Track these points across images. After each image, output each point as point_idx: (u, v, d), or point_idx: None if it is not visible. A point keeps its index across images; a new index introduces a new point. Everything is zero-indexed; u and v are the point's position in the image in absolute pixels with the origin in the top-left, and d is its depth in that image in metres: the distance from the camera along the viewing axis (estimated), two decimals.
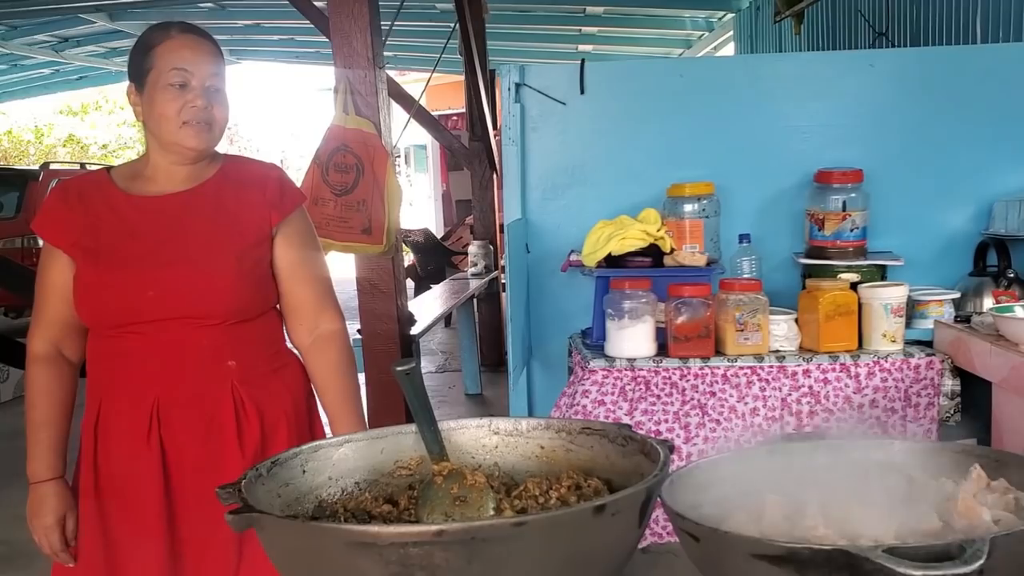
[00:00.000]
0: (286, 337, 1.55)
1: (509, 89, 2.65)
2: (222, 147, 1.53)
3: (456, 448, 0.96)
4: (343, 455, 0.92)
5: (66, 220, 1.43)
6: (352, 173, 3.11)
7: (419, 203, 14.15)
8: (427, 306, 4.72)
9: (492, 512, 0.85)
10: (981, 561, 0.62)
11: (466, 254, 6.31)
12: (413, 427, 0.95)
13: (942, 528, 0.75)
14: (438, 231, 10.17)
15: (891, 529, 0.75)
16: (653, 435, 2.19)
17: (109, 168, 1.52)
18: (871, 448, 0.91)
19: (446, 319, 6.92)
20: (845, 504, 0.79)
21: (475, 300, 5.81)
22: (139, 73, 1.41)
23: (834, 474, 0.86)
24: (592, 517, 0.68)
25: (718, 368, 2.25)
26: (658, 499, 0.79)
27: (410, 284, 7.10)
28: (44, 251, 1.46)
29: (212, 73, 1.39)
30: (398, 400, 3.26)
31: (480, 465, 0.95)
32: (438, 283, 6.35)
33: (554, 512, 0.78)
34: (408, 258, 7.79)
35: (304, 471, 0.88)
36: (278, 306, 1.53)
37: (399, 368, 0.93)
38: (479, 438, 0.97)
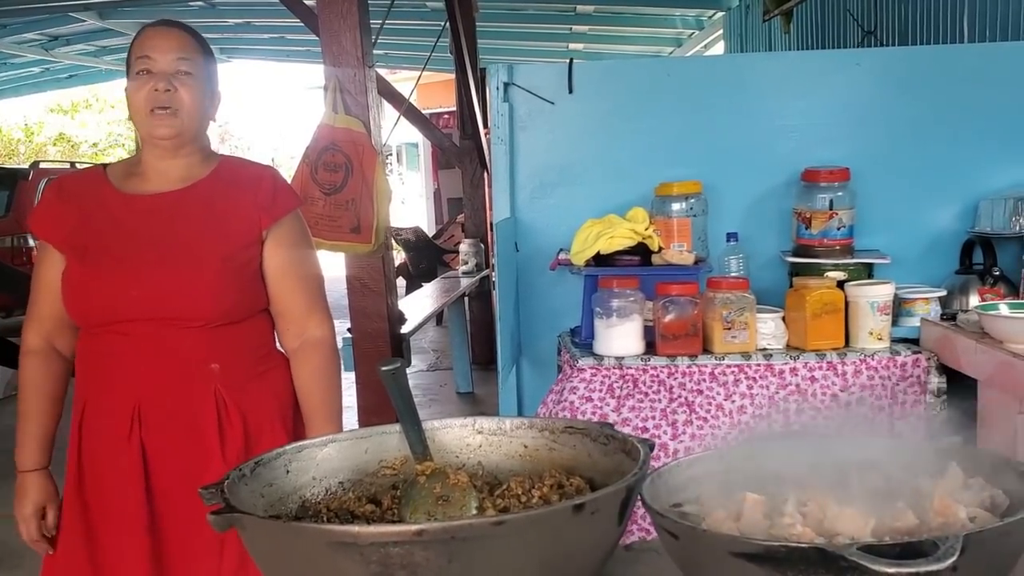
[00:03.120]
0: (276, 340, 1.55)
1: (498, 88, 2.65)
2: (214, 147, 1.53)
3: (440, 447, 0.97)
4: (327, 455, 0.93)
5: (58, 217, 1.44)
6: (341, 172, 3.11)
7: (411, 201, 14.14)
8: (418, 304, 4.72)
9: (475, 511, 0.86)
10: (954, 558, 0.63)
11: (458, 252, 6.32)
12: (397, 427, 0.96)
13: (918, 526, 0.76)
14: (429, 229, 10.16)
15: (868, 527, 0.76)
16: (640, 432, 2.21)
17: (106, 165, 1.52)
18: (850, 446, 0.91)
19: (437, 317, 6.91)
20: (823, 502, 0.80)
21: (466, 298, 5.81)
22: (127, 72, 1.42)
23: (813, 472, 0.86)
24: (572, 516, 0.69)
25: (705, 366, 2.26)
26: (638, 497, 0.80)
27: (401, 283, 7.10)
28: (39, 247, 1.48)
29: (175, 57, 1.39)
30: (388, 399, 3.26)
31: (464, 464, 0.96)
32: (429, 282, 6.35)
33: (534, 511, 0.79)
34: (399, 257, 7.78)
35: (288, 471, 0.89)
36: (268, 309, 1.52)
37: (384, 368, 0.94)
38: (463, 437, 0.98)
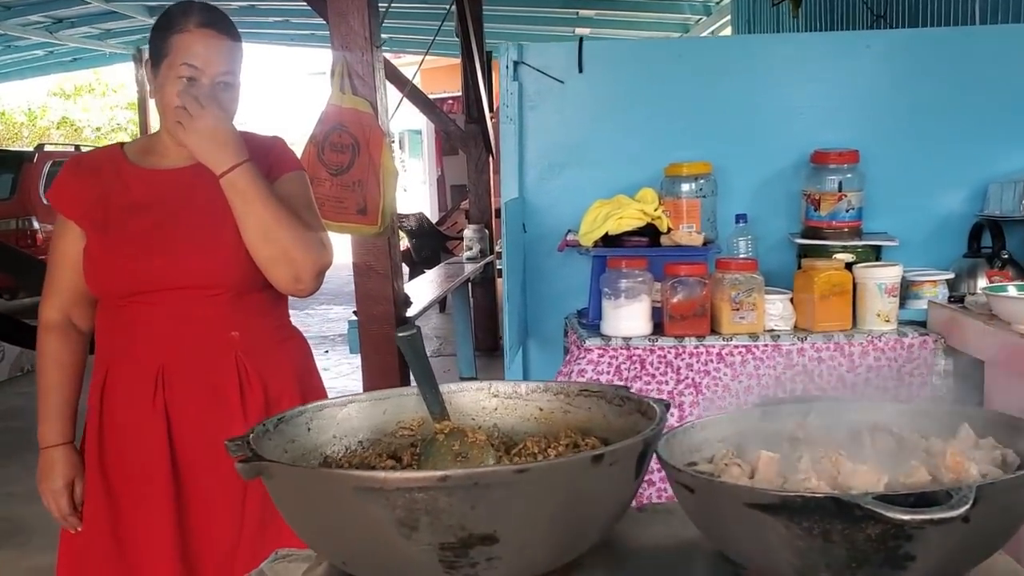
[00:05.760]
0: (289, 312, 1.58)
1: (507, 67, 2.65)
2: None
3: (457, 410, 0.98)
4: (347, 415, 0.94)
5: (77, 192, 1.46)
6: (348, 153, 3.12)
7: (413, 188, 14.12)
8: (422, 290, 4.73)
9: None
10: (967, 507, 0.64)
11: (461, 239, 6.32)
12: (414, 390, 0.97)
13: (930, 482, 0.77)
14: (432, 216, 10.15)
15: (881, 483, 0.77)
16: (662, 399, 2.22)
17: (123, 144, 1.55)
18: (863, 410, 0.93)
19: (440, 304, 6.93)
20: (836, 460, 0.81)
21: (470, 284, 5.82)
22: (155, 54, 1.42)
23: (826, 434, 0.88)
24: (591, 466, 0.71)
25: (713, 347, 2.27)
26: (655, 456, 0.81)
27: (404, 269, 7.10)
28: (57, 222, 1.50)
29: (223, 71, 1.40)
30: (394, 382, 3.28)
31: (480, 427, 0.97)
32: (433, 268, 6.35)
33: (554, 460, 0.80)
34: (402, 243, 7.78)
35: (309, 429, 0.90)
36: None
37: (401, 334, 0.95)
38: (479, 400, 0.99)
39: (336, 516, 0.70)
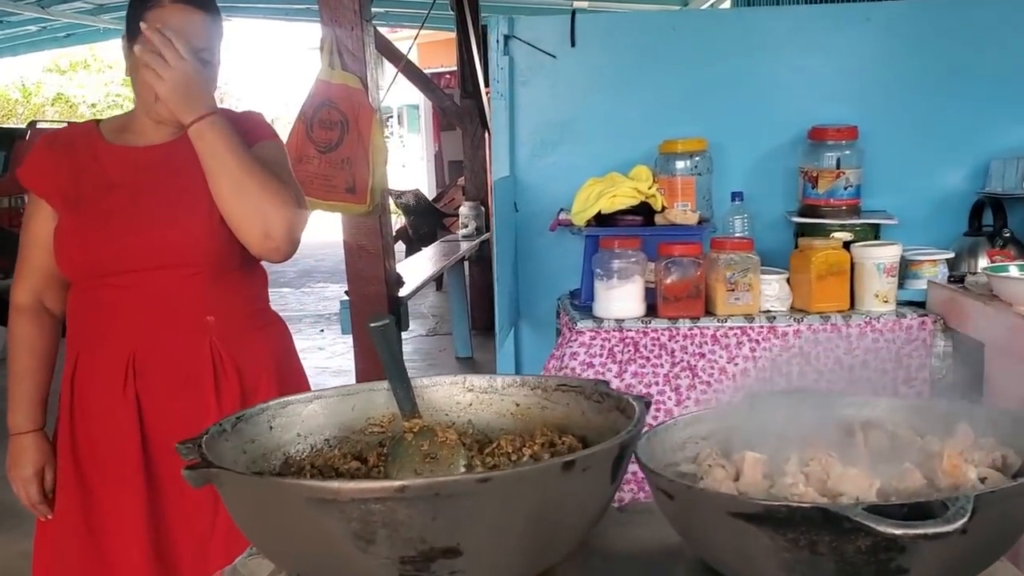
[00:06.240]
0: (269, 299, 1.54)
1: (498, 41, 2.58)
2: None
3: (430, 405, 0.93)
4: (312, 411, 0.89)
5: (50, 169, 1.42)
6: (337, 130, 3.05)
7: (411, 164, 14.02)
8: (417, 268, 4.68)
9: (463, 469, 0.83)
10: (964, 519, 0.60)
11: (458, 216, 6.25)
12: (385, 384, 0.93)
13: (926, 486, 0.72)
14: (430, 193, 10.06)
15: (873, 487, 0.72)
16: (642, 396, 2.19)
17: (99, 121, 1.50)
18: (856, 405, 0.88)
19: (437, 282, 6.88)
20: (826, 462, 0.77)
21: (466, 263, 5.76)
22: (131, 31, 1.37)
23: (817, 431, 0.83)
24: (561, 473, 0.66)
25: (707, 328, 2.23)
26: (633, 456, 0.77)
27: (401, 247, 7.04)
28: (29, 200, 1.46)
29: (198, 48, 1.35)
30: None
31: (454, 423, 0.93)
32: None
33: (521, 468, 0.75)
34: (399, 221, 7.71)
35: (271, 427, 0.86)
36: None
37: (373, 324, 0.90)
38: (453, 395, 0.95)
39: (289, 527, 0.66)
